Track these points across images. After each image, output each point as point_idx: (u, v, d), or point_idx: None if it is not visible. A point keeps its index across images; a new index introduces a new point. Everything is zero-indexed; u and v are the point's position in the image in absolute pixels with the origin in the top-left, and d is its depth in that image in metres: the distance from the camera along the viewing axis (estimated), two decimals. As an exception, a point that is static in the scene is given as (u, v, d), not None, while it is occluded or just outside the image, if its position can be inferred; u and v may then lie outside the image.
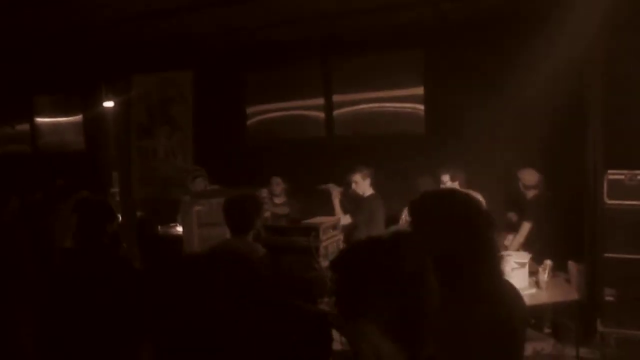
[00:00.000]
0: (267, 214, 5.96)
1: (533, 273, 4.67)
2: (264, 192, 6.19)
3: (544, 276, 4.58)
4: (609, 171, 4.74)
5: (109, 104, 8.01)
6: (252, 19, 6.11)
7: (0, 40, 6.51)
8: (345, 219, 5.82)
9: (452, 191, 1.81)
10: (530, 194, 5.48)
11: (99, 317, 2.83)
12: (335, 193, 6.04)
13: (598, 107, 5.01)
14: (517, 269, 4.52)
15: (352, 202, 6.05)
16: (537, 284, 4.59)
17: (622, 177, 4.67)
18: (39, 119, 8.99)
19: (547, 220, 5.32)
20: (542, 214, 5.34)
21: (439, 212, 1.75)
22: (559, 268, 4.97)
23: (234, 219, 3.62)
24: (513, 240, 5.42)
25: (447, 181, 5.66)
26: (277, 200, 6.65)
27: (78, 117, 8.62)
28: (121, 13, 5.73)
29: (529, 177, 5.47)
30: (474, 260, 1.67)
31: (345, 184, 6.02)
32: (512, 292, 1.82)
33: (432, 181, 5.73)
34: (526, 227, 5.38)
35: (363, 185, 5.89)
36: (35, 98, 8.90)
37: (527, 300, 4.33)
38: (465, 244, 1.68)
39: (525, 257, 4.67)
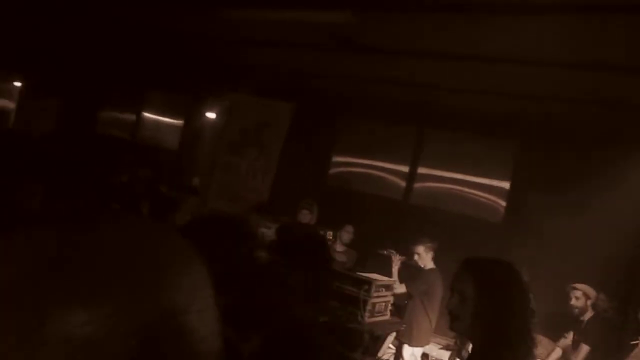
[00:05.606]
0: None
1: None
2: (329, 235, 6.24)
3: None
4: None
5: (210, 114, 8.47)
6: (365, 70, 6.33)
7: (131, 36, 7.12)
8: (400, 288, 5.78)
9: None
10: (589, 313, 5.15)
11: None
12: (396, 260, 6.03)
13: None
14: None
15: (411, 272, 5.99)
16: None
17: None
18: (146, 114, 9.64)
19: (606, 345, 4.99)
20: (599, 336, 5.02)
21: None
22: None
23: None
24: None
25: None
26: (339, 248, 6.66)
27: (180, 121, 9.16)
28: (253, 36, 6.10)
29: (591, 292, 5.17)
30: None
31: (408, 254, 5.98)
32: None
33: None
34: (584, 350, 5.04)
35: (425, 259, 5.83)
36: (147, 94, 9.57)
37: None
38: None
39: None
